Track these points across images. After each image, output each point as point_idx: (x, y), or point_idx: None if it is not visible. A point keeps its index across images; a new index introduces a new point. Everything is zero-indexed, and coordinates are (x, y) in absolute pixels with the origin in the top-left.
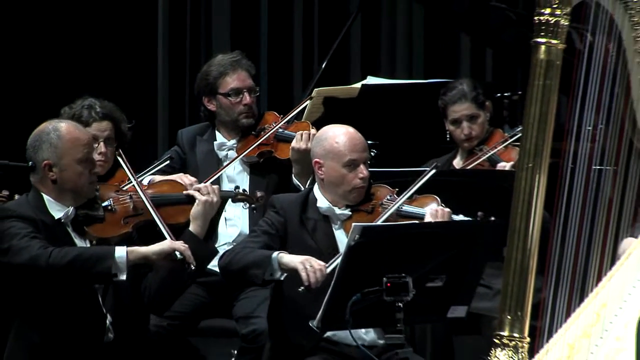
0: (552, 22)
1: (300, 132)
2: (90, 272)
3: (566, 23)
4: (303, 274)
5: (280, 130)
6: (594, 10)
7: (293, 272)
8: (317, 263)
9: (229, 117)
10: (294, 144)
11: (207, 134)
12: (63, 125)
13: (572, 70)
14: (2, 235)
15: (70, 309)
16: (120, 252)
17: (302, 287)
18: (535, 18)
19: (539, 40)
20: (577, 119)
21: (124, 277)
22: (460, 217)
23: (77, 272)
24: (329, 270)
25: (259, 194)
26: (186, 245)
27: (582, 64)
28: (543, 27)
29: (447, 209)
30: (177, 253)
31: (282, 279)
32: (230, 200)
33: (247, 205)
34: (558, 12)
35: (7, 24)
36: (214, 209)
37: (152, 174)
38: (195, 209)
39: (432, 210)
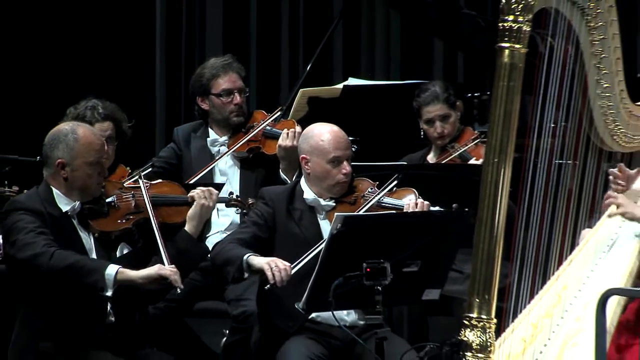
0: (515, 28)
1: (286, 130)
2: (81, 281)
3: (528, 29)
4: (269, 274)
5: (268, 128)
6: (553, 16)
7: (260, 272)
8: (282, 263)
9: (221, 115)
10: (280, 142)
11: (201, 131)
12: (81, 130)
13: (535, 72)
14: (10, 228)
15: (72, 296)
16: (111, 270)
17: (268, 285)
18: (500, 24)
19: (503, 45)
20: (539, 117)
21: (109, 293)
22: (437, 209)
23: (70, 277)
24: (294, 270)
25: (250, 200)
26: (173, 270)
27: (544, 66)
28: (507, 33)
29: (426, 202)
30: (165, 278)
31: (250, 278)
32: (224, 205)
33: (240, 210)
34: (520, 18)
35: (20, 33)
36: (209, 212)
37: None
38: (192, 210)
39: (411, 202)
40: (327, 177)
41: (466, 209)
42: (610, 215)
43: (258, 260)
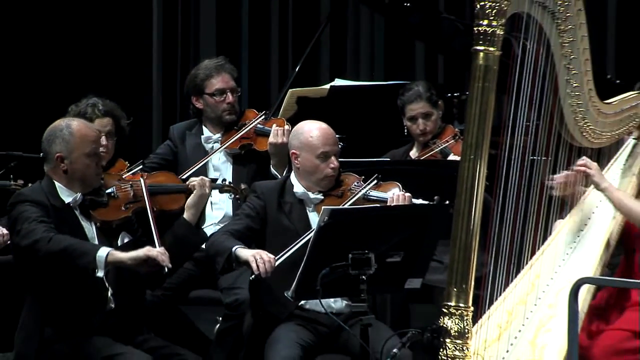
0: (489, 32)
1: (276, 128)
2: (74, 262)
3: (501, 33)
4: (253, 265)
5: (259, 125)
6: (525, 20)
7: (246, 264)
8: (267, 255)
9: (214, 114)
10: (271, 139)
11: (195, 129)
12: (75, 124)
13: (509, 73)
14: (16, 218)
15: (75, 284)
16: (102, 252)
17: (253, 276)
18: (475, 29)
19: (478, 48)
20: (512, 116)
21: (101, 274)
22: (420, 201)
23: (66, 259)
24: (278, 262)
25: (243, 186)
26: (161, 251)
27: (517, 67)
28: (481, 37)
29: (408, 194)
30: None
31: (238, 269)
32: (218, 191)
33: (233, 195)
34: (494, 23)
35: (24, 38)
36: (206, 200)
37: (141, 169)
38: (190, 199)
39: (395, 195)
40: (316, 172)
41: (447, 202)
42: (576, 170)
43: (244, 253)
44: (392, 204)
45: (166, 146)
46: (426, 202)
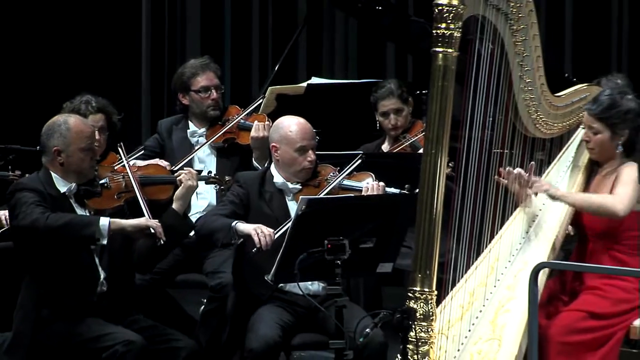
0: (447, 34)
1: (258, 123)
2: (78, 234)
3: (458, 35)
4: (255, 238)
5: (242, 121)
6: (481, 21)
7: (247, 237)
8: (267, 229)
9: (199, 109)
10: (253, 133)
11: (182, 123)
12: (72, 120)
13: (466, 71)
14: (14, 204)
15: (70, 267)
16: (104, 221)
17: (255, 249)
18: (434, 31)
19: (437, 49)
20: (471, 111)
21: (104, 242)
22: (392, 190)
23: (68, 233)
24: (276, 236)
25: (227, 178)
26: (159, 223)
27: (474, 65)
28: (440, 39)
29: (382, 183)
30: (151, 229)
31: (238, 242)
32: (204, 182)
33: (217, 186)
34: (452, 26)
35: (22, 39)
36: (193, 191)
37: (135, 159)
38: (179, 191)
39: (369, 185)
40: (294, 164)
41: (417, 190)
42: (535, 193)
43: (245, 227)
44: (366, 193)
45: (154, 139)
46: (397, 191)
